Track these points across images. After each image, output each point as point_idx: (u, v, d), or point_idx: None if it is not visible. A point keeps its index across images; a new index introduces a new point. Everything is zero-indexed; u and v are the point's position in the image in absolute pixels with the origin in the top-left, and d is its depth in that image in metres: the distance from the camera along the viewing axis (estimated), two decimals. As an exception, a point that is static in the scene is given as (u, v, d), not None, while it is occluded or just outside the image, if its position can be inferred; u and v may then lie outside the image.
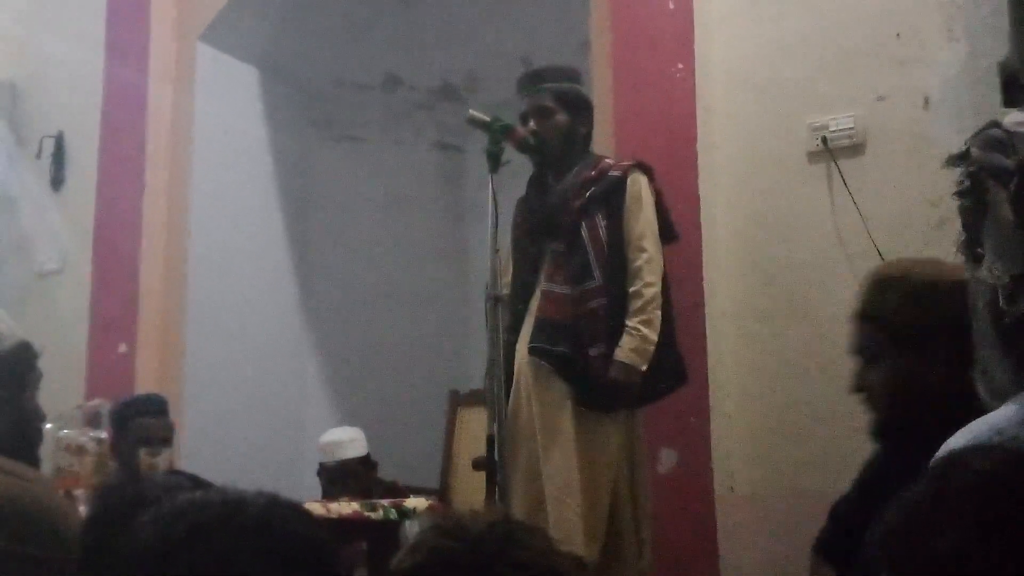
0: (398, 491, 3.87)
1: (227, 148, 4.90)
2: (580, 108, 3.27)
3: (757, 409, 3.53)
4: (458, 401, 4.39)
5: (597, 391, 3.02)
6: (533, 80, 3.30)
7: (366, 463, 4.15)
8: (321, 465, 4.15)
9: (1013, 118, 2.60)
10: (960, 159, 2.87)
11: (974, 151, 2.71)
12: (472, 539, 1.03)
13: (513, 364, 3.13)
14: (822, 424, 3.35)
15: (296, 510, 1.13)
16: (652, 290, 3.05)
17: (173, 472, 1.56)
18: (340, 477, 4.04)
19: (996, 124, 2.70)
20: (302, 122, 5.33)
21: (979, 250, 2.72)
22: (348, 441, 4.16)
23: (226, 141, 4.89)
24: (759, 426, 3.50)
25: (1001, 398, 2.52)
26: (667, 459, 3.48)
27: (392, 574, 1.05)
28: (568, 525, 2.95)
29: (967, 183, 2.74)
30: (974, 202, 2.73)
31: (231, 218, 4.89)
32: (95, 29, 5.08)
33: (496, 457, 2.79)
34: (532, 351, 3.11)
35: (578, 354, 3.05)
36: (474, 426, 4.18)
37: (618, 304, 3.05)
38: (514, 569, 1.01)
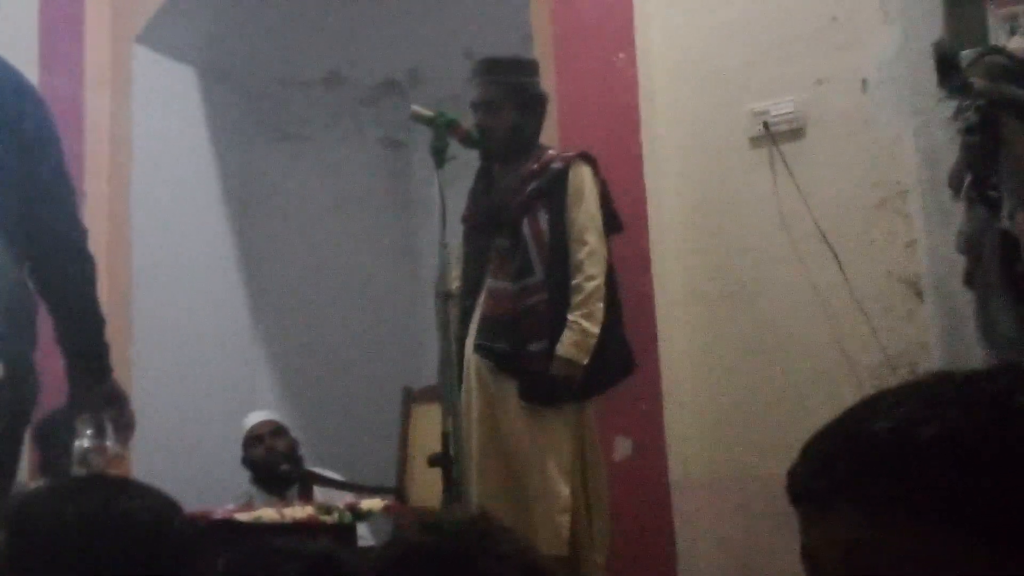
0: (314, 478, 4.03)
1: (168, 152, 4.82)
2: (530, 105, 3.20)
3: (710, 394, 3.55)
4: (412, 398, 4.35)
5: (539, 386, 3.00)
6: (488, 70, 3.22)
7: (276, 432, 4.24)
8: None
9: (1018, 43, 2.34)
10: (958, 90, 2.48)
11: (978, 82, 2.35)
12: (452, 533, 1.03)
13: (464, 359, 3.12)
14: (775, 407, 3.37)
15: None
16: (594, 283, 3.02)
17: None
18: (248, 444, 4.22)
19: (997, 50, 2.40)
20: (244, 122, 5.26)
21: (993, 193, 2.45)
22: (256, 414, 4.36)
23: (167, 145, 4.81)
24: (712, 411, 3.53)
25: (1005, 349, 2.37)
26: (622, 447, 3.50)
27: (370, 572, 1.04)
28: (526, 523, 2.94)
29: (975, 118, 2.42)
30: (985, 139, 2.42)
31: (175, 223, 4.81)
32: (28, 39, 4.97)
33: (452, 453, 2.79)
34: (476, 349, 3.10)
35: (519, 350, 3.03)
36: (429, 422, 4.15)
37: (561, 299, 3.03)
38: (496, 561, 1.01)
